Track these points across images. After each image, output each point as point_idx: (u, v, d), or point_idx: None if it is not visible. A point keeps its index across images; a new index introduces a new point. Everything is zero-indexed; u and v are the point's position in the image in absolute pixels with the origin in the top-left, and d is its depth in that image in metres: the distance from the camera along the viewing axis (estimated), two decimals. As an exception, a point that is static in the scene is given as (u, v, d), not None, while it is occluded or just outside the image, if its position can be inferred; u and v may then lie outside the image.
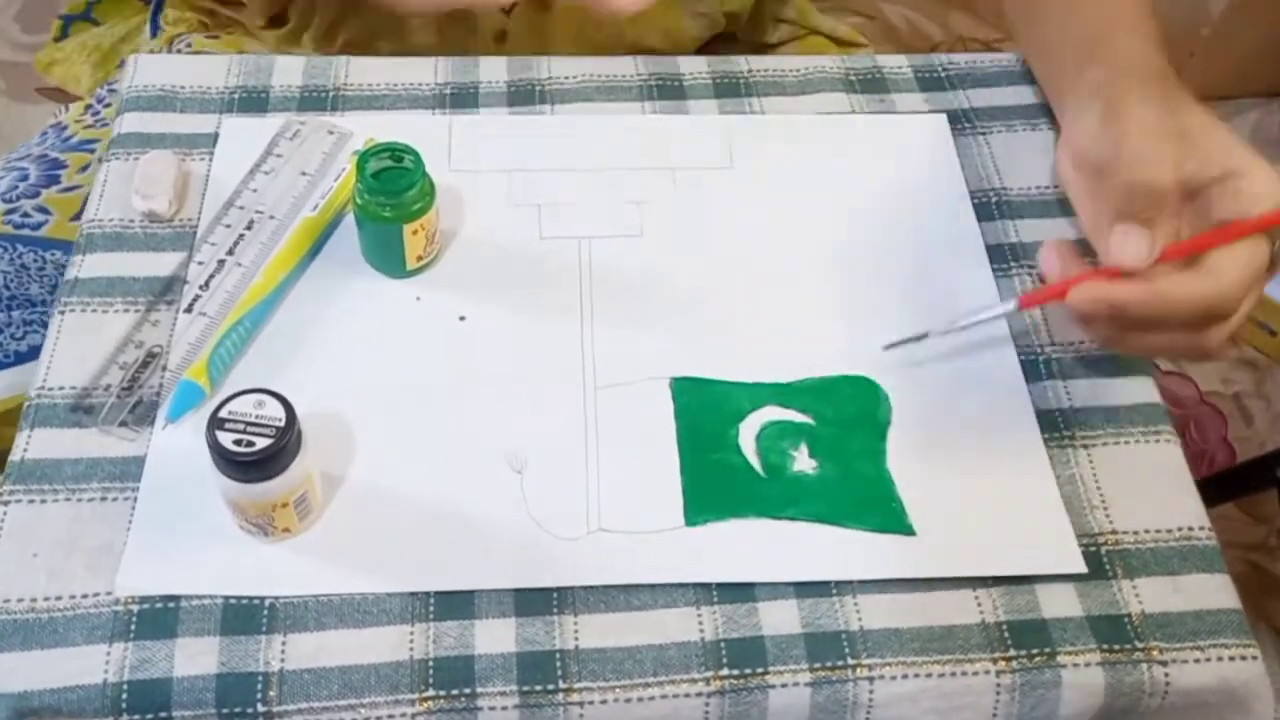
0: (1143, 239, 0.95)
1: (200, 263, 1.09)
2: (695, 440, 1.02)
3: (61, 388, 1.02)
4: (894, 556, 0.97)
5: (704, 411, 1.04)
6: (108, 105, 1.47)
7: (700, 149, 1.22)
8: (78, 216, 1.31)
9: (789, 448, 1.02)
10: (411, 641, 0.92)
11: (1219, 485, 1.91)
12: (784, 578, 0.96)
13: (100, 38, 1.58)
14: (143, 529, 0.96)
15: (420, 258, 1.09)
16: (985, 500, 1.01)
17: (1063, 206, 1.19)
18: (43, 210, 1.32)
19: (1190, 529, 1.01)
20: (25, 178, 1.37)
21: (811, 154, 1.23)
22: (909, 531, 0.98)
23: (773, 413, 1.04)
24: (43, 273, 1.28)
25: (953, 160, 1.23)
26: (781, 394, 1.05)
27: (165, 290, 1.07)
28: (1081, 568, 0.98)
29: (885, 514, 0.99)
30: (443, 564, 0.96)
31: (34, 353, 1.23)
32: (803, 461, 1.02)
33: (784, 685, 0.92)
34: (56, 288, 1.25)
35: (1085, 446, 1.04)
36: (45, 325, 1.21)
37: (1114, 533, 1.00)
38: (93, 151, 1.40)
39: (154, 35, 1.50)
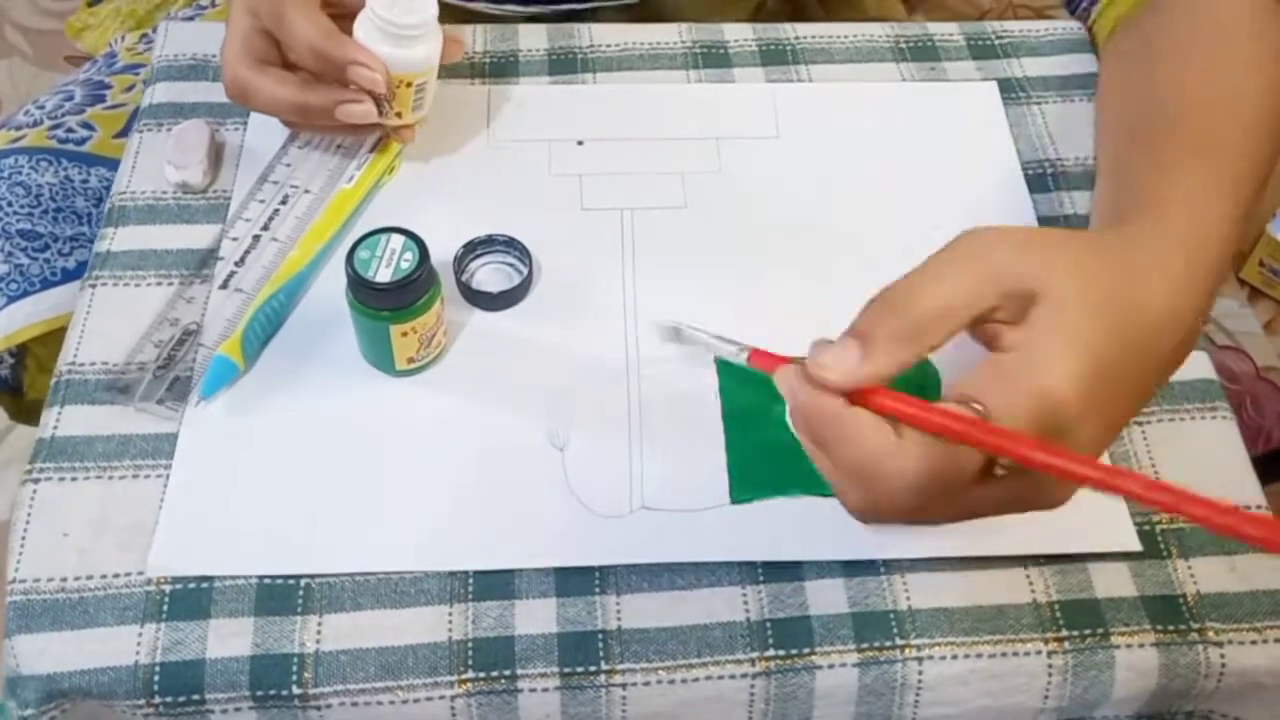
0: (845, 352, 0.76)
1: (234, 238, 1.07)
2: (740, 416, 1.01)
3: (93, 363, 1.01)
4: (944, 535, 0.95)
5: (749, 387, 1.02)
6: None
7: (746, 118, 1.20)
8: (121, 134, 1.32)
9: (836, 424, 1.00)
10: (450, 622, 0.91)
11: (1276, 462, 1.88)
12: (831, 556, 0.94)
13: (135, 2, 1.57)
14: (175, 508, 0.95)
15: (412, 360, 1.01)
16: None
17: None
18: (87, 126, 1.32)
19: (1246, 508, 0.98)
20: (71, 98, 1.38)
21: (860, 123, 1.20)
22: (958, 509, 0.96)
23: (819, 388, 1.02)
24: (87, 185, 1.28)
25: (1003, 129, 1.20)
26: (829, 369, 1.03)
27: (200, 265, 1.06)
28: (1136, 545, 0.96)
29: (934, 492, 0.97)
30: (483, 543, 0.94)
31: (81, 270, 1.22)
32: (850, 438, 0.99)
33: (831, 666, 0.91)
34: (101, 202, 1.25)
35: (1140, 423, 1.02)
36: (92, 241, 1.21)
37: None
38: (138, 74, 1.39)
39: None
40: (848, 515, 0.86)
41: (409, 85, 1.06)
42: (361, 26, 1.04)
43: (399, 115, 1.08)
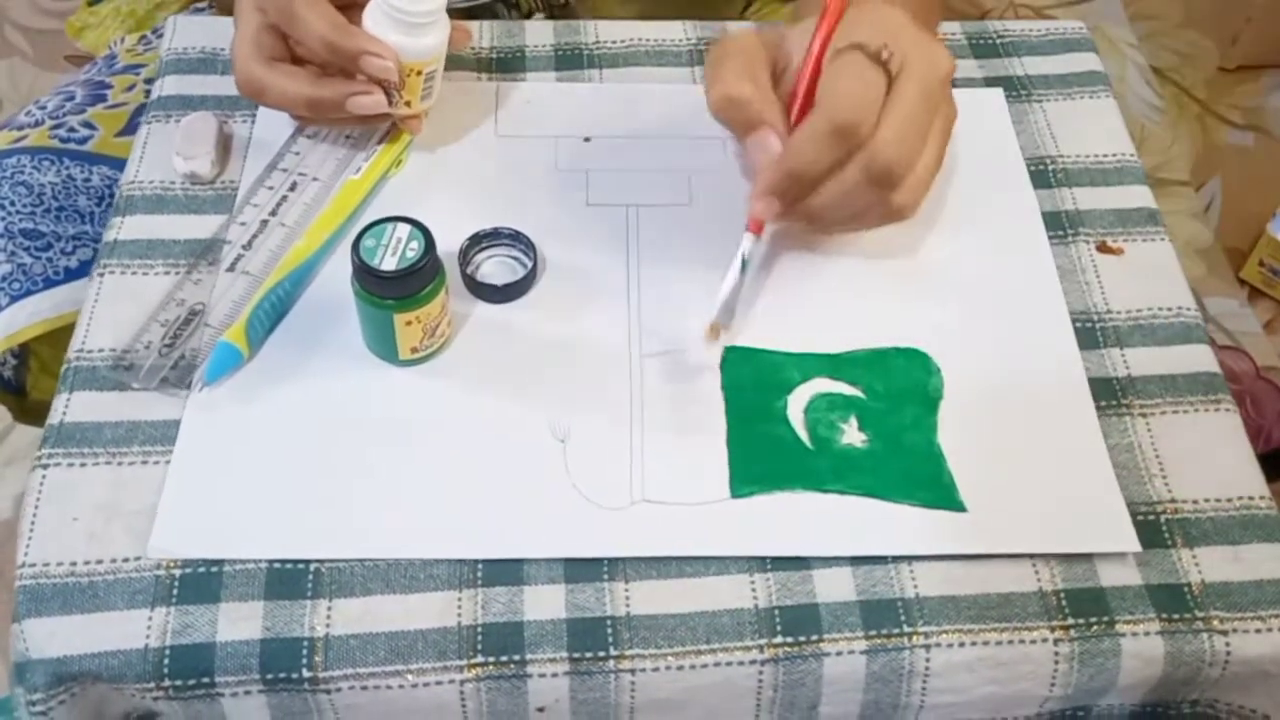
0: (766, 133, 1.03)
1: (243, 223, 1.07)
2: (742, 411, 1.01)
3: (101, 350, 1.01)
4: (944, 532, 0.95)
5: (752, 382, 1.02)
6: (161, 35, 1.46)
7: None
8: (122, 133, 1.32)
9: (838, 420, 1.00)
10: (459, 607, 0.91)
11: (1275, 461, 1.88)
12: (830, 552, 0.94)
13: (135, 2, 1.57)
14: (177, 491, 0.95)
15: (415, 350, 1.01)
16: (1039, 476, 0.99)
17: (1121, 174, 1.18)
18: (88, 125, 1.33)
19: (1250, 498, 0.99)
20: (72, 98, 1.38)
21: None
22: (959, 508, 0.97)
23: (822, 384, 1.02)
24: (89, 184, 1.28)
25: (1010, 135, 1.21)
26: (832, 365, 1.03)
27: (207, 251, 1.06)
28: (1136, 546, 0.96)
29: (935, 489, 0.97)
30: (487, 532, 0.94)
31: (84, 269, 1.23)
32: (852, 434, 1.00)
33: (839, 653, 0.91)
34: (103, 201, 1.25)
35: (1144, 415, 1.03)
36: (95, 241, 1.22)
37: (1173, 501, 0.98)
38: (138, 73, 1.39)
39: None
40: (848, 510, 0.94)
41: (419, 74, 1.06)
42: (371, 17, 1.04)
43: (408, 104, 1.08)
